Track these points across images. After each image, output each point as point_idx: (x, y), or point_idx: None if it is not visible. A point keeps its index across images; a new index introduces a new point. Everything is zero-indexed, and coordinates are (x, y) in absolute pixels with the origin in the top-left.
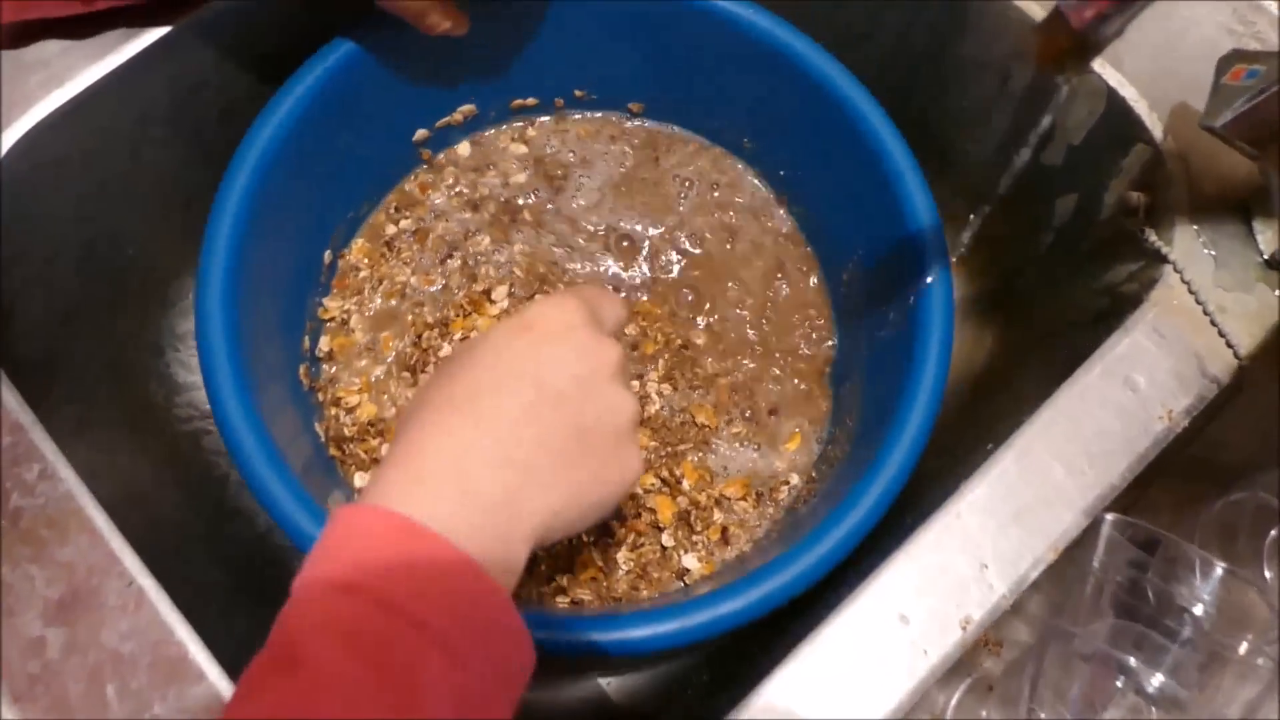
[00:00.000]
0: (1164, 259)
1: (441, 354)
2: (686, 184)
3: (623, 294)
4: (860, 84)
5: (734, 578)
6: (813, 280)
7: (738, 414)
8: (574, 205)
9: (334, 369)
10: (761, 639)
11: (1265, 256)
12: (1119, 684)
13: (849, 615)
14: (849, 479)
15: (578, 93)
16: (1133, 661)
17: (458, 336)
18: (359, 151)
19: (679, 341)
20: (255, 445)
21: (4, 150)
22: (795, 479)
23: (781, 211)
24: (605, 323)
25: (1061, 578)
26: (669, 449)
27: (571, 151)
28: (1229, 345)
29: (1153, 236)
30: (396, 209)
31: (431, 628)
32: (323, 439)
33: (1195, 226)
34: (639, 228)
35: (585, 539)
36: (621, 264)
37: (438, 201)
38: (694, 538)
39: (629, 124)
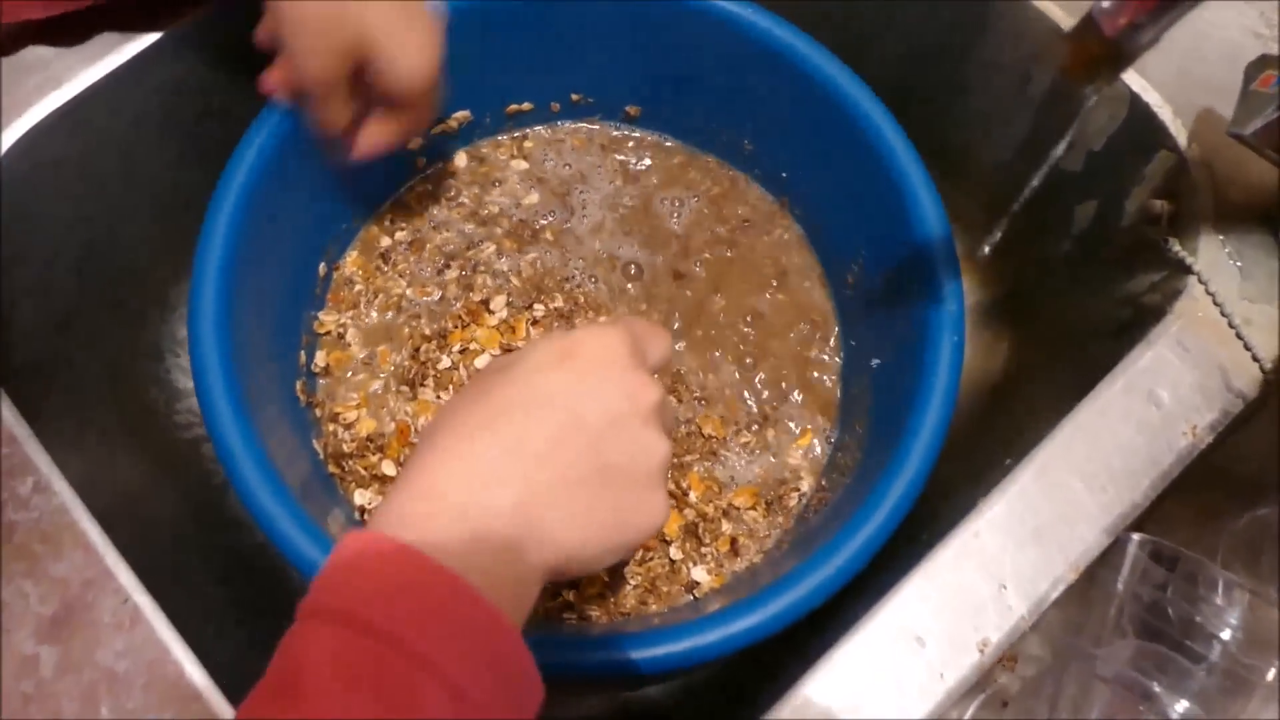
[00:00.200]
0: (1188, 269)
1: (440, 366)
2: (687, 191)
3: (630, 295)
4: (864, 85)
5: (745, 590)
6: (816, 284)
7: (745, 422)
8: (583, 224)
9: (331, 384)
10: (773, 658)
11: None
12: (1141, 709)
13: (864, 636)
14: (861, 489)
15: (574, 97)
16: (1156, 686)
17: (456, 349)
18: (352, 161)
19: (683, 350)
20: (253, 468)
21: (2, 152)
22: (805, 486)
23: (783, 215)
24: (649, 357)
25: (1080, 595)
26: (675, 460)
27: (568, 165)
28: (1255, 359)
29: (1176, 246)
30: (391, 220)
31: (438, 665)
32: (321, 456)
33: (1220, 236)
34: (640, 245)
35: None
36: (625, 278)
37: (436, 212)
38: (702, 549)
39: (622, 132)
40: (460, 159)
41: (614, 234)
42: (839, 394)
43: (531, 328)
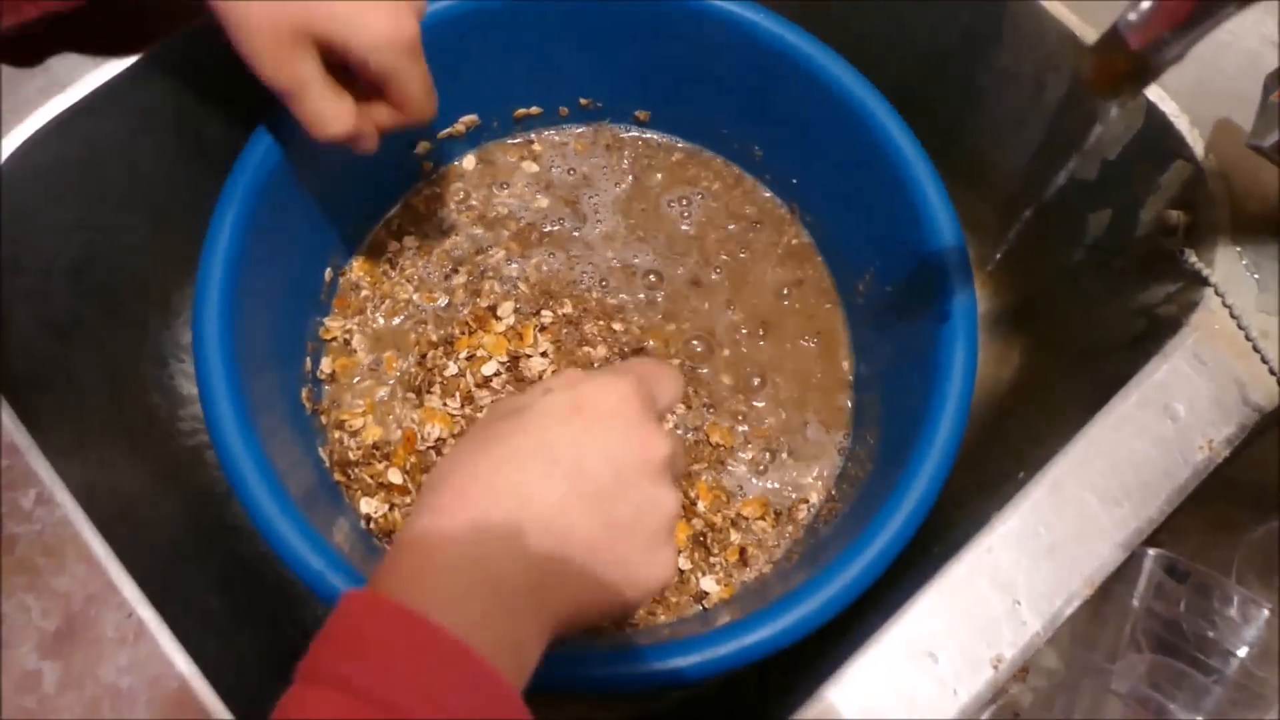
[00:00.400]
0: (1204, 281)
1: (447, 373)
2: (691, 188)
3: (644, 303)
4: (878, 91)
5: (754, 601)
6: (827, 292)
7: (754, 431)
8: (595, 231)
9: (336, 391)
10: (783, 673)
11: None
12: None
13: (876, 652)
14: (873, 500)
15: (583, 101)
16: (1170, 702)
17: (463, 355)
18: (358, 165)
19: (690, 360)
20: (257, 477)
21: (3, 157)
22: (814, 497)
23: (794, 222)
24: (660, 400)
25: (1093, 609)
26: (684, 470)
27: (572, 169)
28: (1271, 372)
29: (1193, 257)
30: (399, 225)
31: None
32: (326, 464)
33: (1237, 248)
34: (649, 252)
35: None
36: (631, 287)
37: (444, 216)
38: (711, 559)
39: (629, 135)
40: (469, 162)
41: (628, 242)
42: (850, 404)
43: (539, 334)
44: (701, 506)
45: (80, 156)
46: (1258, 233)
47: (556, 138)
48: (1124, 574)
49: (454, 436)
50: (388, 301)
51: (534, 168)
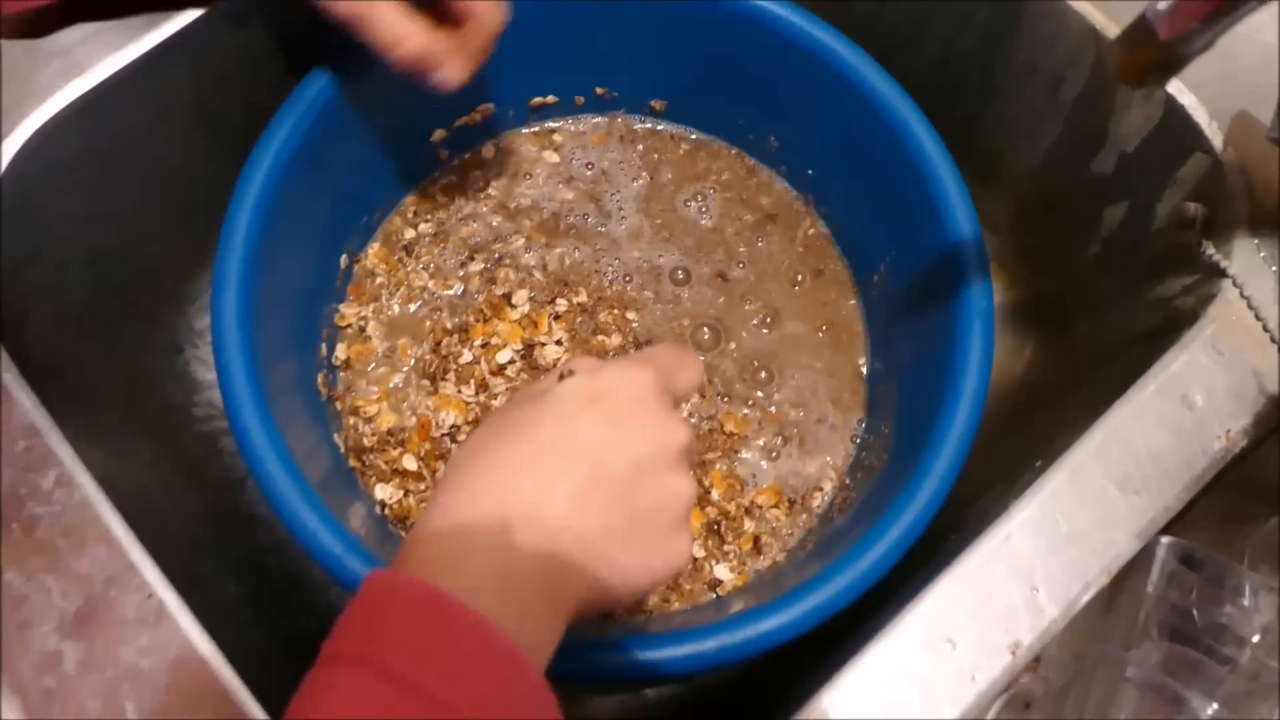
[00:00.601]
0: (1222, 273)
1: (462, 360)
2: (709, 191)
3: (650, 293)
4: (896, 83)
5: (768, 589)
6: (841, 282)
7: (767, 419)
8: (621, 227)
9: (351, 377)
10: (800, 662)
11: None
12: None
13: (894, 637)
14: (889, 489)
15: (599, 90)
16: (1184, 690)
17: (478, 343)
18: (375, 153)
19: (704, 350)
20: (275, 462)
21: (21, 143)
22: (828, 485)
23: (809, 213)
24: (679, 389)
25: (1105, 598)
26: (697, 458)
27: (590, 164)
28: None
29: (1211, 250)
30: (415, 213)
31: (459, 712)
32: (342, 450)
33: (1255, 240)
34: (675, 251)
35: None
36: (659, 285)
37: (462, 204)
38: (725, 547)
39: (643, 126)
40: (487, 150)
41: (653, 241)
42: (865, 394)
43: (554, 323)
44: (716, 495)
45: (98, 142)
46: (1275, 225)
47: (574, 128)
48: (1137, 563)
49: (469, 424)
50: (403, 289)
51: (554, 158)
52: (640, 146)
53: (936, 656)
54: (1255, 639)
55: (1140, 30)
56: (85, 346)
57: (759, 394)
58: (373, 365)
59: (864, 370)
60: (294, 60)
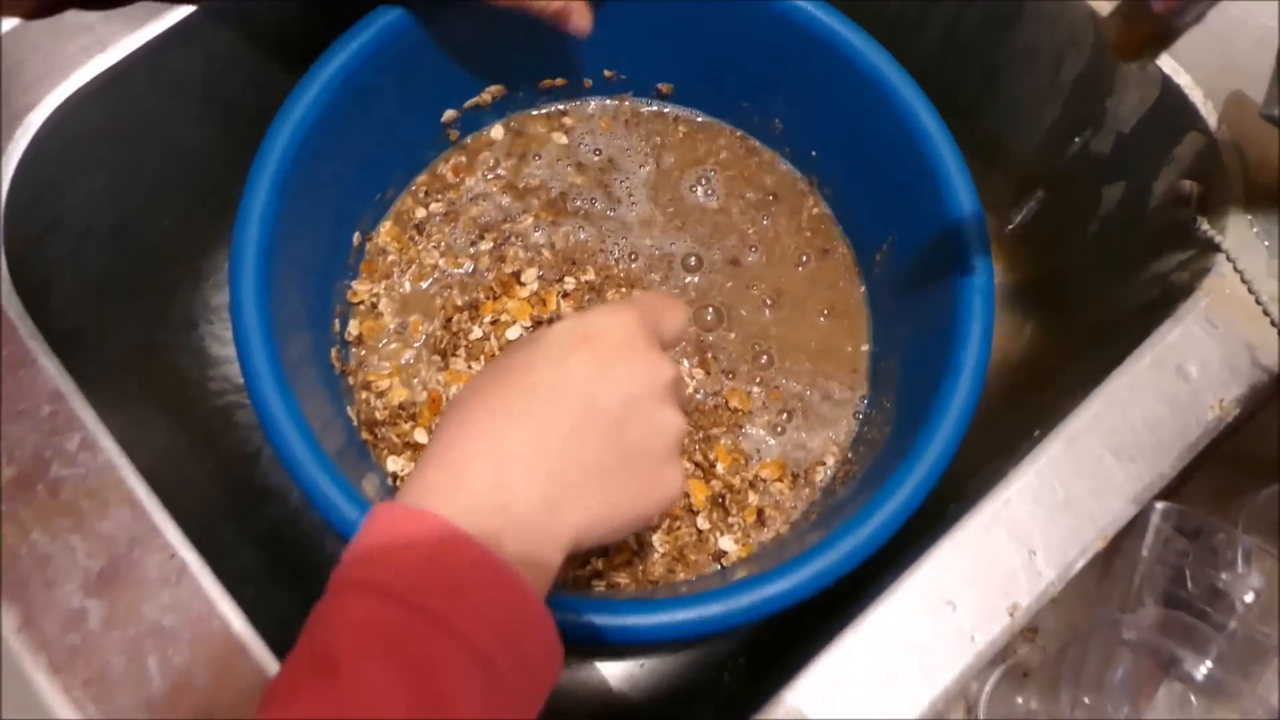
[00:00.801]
0: (1217, 248)
1: (472, 337)
2: (710, 174)
3: (658, 276)
4: (898, 64)
5: (772, 560)
6: (844, 261)
7: (771, 395)
8: (631, 212)
9: (363, 353)
10: (803, 626)
11: None
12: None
13: (895, 600)
14: (890, 462)
15: (607, 73)
16: (1180, 652)
17: (488, 319)
18: (388, 133)
19: (708, 329)
20: (294, 431)
21: (45, 116)
22: (831, 459)
23: (812, 194)
24: (665, 333)
25: (1100, 565)
26: (702, 433)
27: (598, 149)
28: None
29: (1205, 225)
30: (426, 192)
31: (466, 636)
32: (355, 423)
33: (1249, 216)
34: (687, 239)
35: None
36: (671, 270)
37: (472, 184)
38: (729, 520)
39: (648, 109)
40: (496, 131)
41: (665, 230)
42: (868, 370)
43: (562, 300)
44: (720, 469)
45: (115, 120)
46: (1269, 201)
47: (582, 109)
48: (1132, 528)
49: None
50: (414, 266)
51: (564, 140)
52: (643, 129)
53: (937, 618)
54: (1248, 600)
55: (1135, 3)
56: (104, 318)
57: (762, 371)
58: (385, 341)
59: (866, 347)
60: (304, 44)
